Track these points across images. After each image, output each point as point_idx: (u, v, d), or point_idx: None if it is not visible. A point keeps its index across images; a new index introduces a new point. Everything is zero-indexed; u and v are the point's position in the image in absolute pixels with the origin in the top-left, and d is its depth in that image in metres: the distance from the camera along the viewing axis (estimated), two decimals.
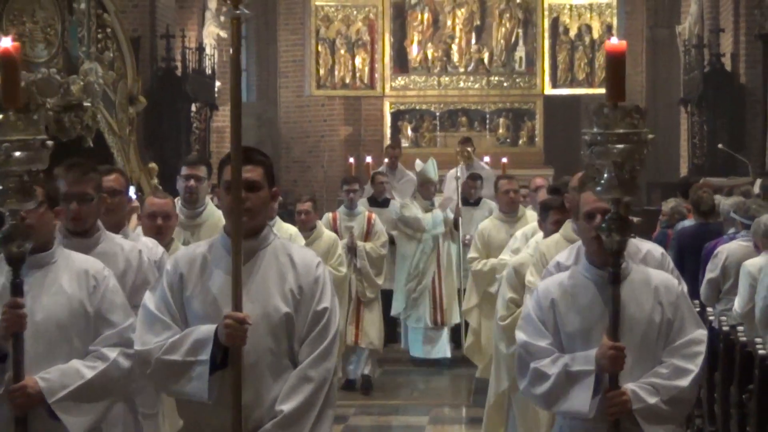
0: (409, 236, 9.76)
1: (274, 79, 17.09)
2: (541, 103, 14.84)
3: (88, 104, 8.75)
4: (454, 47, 14.99)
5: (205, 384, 3.28)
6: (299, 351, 3.38)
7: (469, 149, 11.41)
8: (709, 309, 6.88)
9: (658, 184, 12.88)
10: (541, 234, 5.81)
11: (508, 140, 14.88)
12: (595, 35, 14.55)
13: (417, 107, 15.06)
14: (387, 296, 9.63)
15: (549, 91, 14.73)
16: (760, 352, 5.41)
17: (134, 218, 5.91)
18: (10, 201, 3.32)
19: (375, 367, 9.28)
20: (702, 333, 3.57)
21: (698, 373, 3.52)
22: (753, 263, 6.38)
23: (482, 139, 14.48)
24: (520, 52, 14.78)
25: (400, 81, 15.00)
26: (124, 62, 10.15)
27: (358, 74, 14.85)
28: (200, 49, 14.45)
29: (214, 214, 5.75)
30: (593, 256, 3.56)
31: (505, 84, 14.88)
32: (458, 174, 10.12)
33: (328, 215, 9.31)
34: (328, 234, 8.30)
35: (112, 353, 3.56)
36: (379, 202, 10.19)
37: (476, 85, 14.93)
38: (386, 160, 11.85)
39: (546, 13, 14.62)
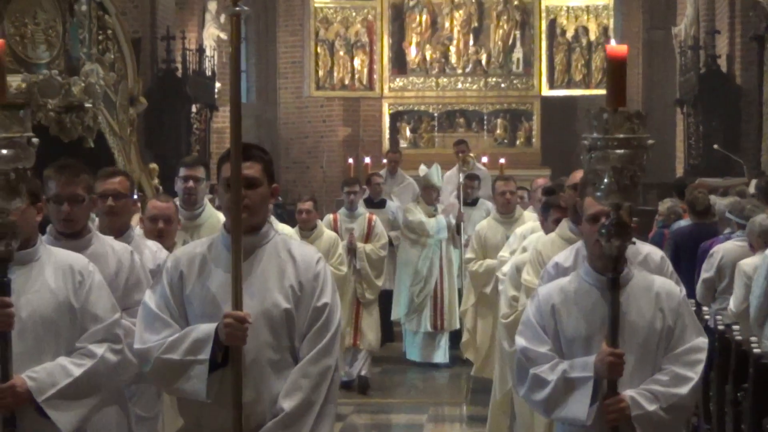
0: (413, 241, 9.78)
1: (274, 80, 17.09)
2: (539, 104, 14.91)
3: (89, 105, 8.75)
4: (452, 49, 15.06)
5: (203, 383, 3.26)
6: (300, 347, 3.36)
7: (471, 155, 11.39)
8: (705, 308, 6.87)
9: (654, 184, 12.91)
10: (537, 234, 5.81)
11: (506, 141, 14.96)
12: (592, 37, 14.63)
13: (415, 108, 15.13)
14: (385, 296, 9.63)
15: (546, 92, 14.80)
16: (755, 350, 5.40)
17: (136, 218, 5.94)
18: None
19: (369, 366, 9.27)
20: (703, 341, 3.54)
21: (698, 381, 3.49)
22: (748, 263, 6.40)
23: (480, 140, 14.58)
24: (518, 54, 14.86)
25: (399, 82, 15.07)
26: (124, 63, 10.15)
27: (356, 75, 14.92)
28: (200, 50, 14.50)
29: (212, 215, 5.74)
30: (595, 261, 3.52)
31: (502, 85, 14.96)
32: (461, 180, 10.12)
33: (329, 216, 9.29)
34: (328, 234, 8.30)
35: (100, 349, 3.53)
36: (375, 203, 10.18)
37: (474, 87, 15.01)
38: (385, 161, 11.86)
39: (543, 14, 14.70)
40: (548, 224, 5.46)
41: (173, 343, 3.31)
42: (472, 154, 11.46)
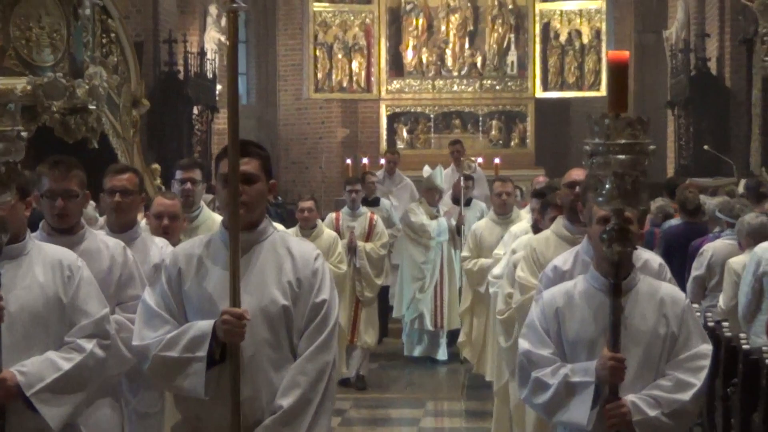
0: (415, 240, 9.83)
1: (274, 82, 17.11)
2: (533, 105, 14.94)
3: (93, 107, 8.86)
4: (448, 52, 15.08)
5: (201, 380, 3.23)
6: (298, 344, 3.33)
7: (472, 159, 11.36)
8: (695, 305, 6.92)
9: (646, 184, 13.00)
10: (527, 236, 5.84)
11: (501, 142, 14.97)
12: (585, 40, 14.65)
13: (412, 110, 15.15)
14: (381, 292, 9.62)
15: (540, 94, 14.83)
16: (744, 346, 5.47)
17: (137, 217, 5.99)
18: None
19: (367, 364, 9.30)
20: (707, 348, 3.50)
21: (701, 388, 3.44)
22: (737, 261, 6.46)
23: (475, 141, 14.61)
24: (512, 57, 14.89)
25: (396, 84, 15.10)
26: (127, 66, 10.25)
27: (354, 78, 14.93)
28: (202, 53, 14.54)
29: (209, 217, 5.70)
30: (602, 264, 3.46)
31: (497, 87, 15.00)
32: (462, 184, 10.13)
33: (332, 215, 9.30)
34: (328, 232, 8.32)
35: (88, 344, 3.52)
36: (369, 201, 10.13)
37: (469, 89, 15.05)
38: (382, 161, 11.90)
39: (537, 18, 14.73)
40: (545, 222, 5.43)
41: (171, 341, 3.29)
42: (473, 158, 11.51)
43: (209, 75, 14.62)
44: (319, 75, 14.91)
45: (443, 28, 15.11)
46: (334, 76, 14.95)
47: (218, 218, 5.17)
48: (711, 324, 6.21)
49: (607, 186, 3.15)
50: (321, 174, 14.97)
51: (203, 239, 3.46)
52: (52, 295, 3.53)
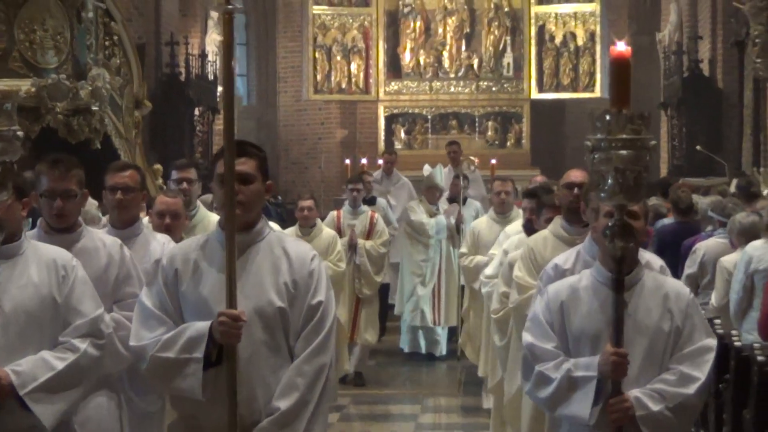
0: (415, 238, 9.89)
1: (274, 84, 17.13)
2: (528, 106, 15.01)
3: (96, 108, 8.91)
4: (445, 54, 15.17)
5: (199, 381, 3.21)
6: (295, 345, 3.31)
7: (472, 158, 11.43)
8: None
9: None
10: (518, 236, 5.91)
11: (497, 142, 15.04)
12: (580, 42, 14.73)
13: (410, 111, 15.22)
14: (380, 289, 9.62)
15: (535, 95, 14.91)
16: (736, 343, 5.49)
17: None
18: None
19: (365, 360, 9.32)
20: (712, 342, 3.45)
21: (705, 382, 3.40)
22: (729, 259, 6.47)
23: (472, 142, 14.67)
24: (508, 59, 14.97)
25: (394, 86, 15.17)
26: (130, 68, 10.28)
27: (353, 79, 15.01)
28: (203, 55, 14.62)
29: (206, 217, 5.70)
30: (607, 259, 3.42)
31: (493, 89, 15.09)
32: (462, 184, 10.16)
33: (333, 213, 9.33)
34: (327, 231, 8.32)
35: (83, 344, 3.51)
36: (366, 200, 10.02)
37: (466, 90, 15.13)
38: (381, 162, 11.95)
39: (533, 21, 14.82)
40: (541, 222, 5.42)
41: (168, 341, 3.27)
42: (472, 157, 11.58)
43: (210, 77, 14.67)
44: (319, 77, 14.99)
45: (440, 30, 15.19)
46: (333, 78, 15.03)
47: (215, 218, 5.22)
48: None
49: (609, 182, 3.11)
50: (320, 174, 14.98)
51: (200, 240, 3.44)
52: (46, 294, 3.52)
